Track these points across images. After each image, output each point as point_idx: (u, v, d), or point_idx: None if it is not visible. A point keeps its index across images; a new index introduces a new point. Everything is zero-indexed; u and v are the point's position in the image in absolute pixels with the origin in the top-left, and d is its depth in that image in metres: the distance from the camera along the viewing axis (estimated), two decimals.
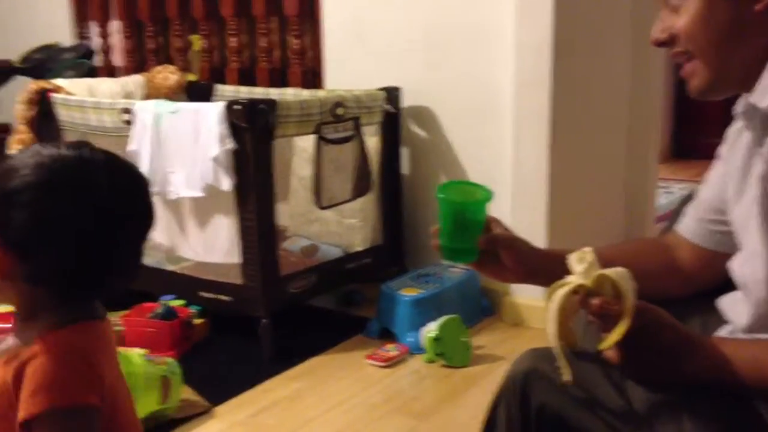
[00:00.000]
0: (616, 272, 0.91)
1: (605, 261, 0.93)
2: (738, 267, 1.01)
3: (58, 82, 2.63)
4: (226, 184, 2.11)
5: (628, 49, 2.49)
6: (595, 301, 0.91)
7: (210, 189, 2.14)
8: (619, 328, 0.90)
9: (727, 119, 1.08)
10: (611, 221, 2.59)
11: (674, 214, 1.23)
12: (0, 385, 0.87)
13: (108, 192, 0.89)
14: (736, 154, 1.02)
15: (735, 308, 1.02)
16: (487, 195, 1.12)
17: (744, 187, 0.97)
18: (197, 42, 3.14)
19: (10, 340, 0.92)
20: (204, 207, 2.25)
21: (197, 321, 2.29)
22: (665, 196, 3.58)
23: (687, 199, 1.20)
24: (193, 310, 2.30)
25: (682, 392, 0.93)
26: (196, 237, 2.32)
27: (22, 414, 0.83)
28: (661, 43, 0.98)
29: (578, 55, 2.34)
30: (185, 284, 2.34)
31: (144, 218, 0.96)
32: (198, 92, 2.95)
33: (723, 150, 1.09)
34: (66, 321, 0.90)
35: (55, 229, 0.86)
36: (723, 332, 1.03)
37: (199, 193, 2.17)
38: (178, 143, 2.20)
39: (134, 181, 0.95)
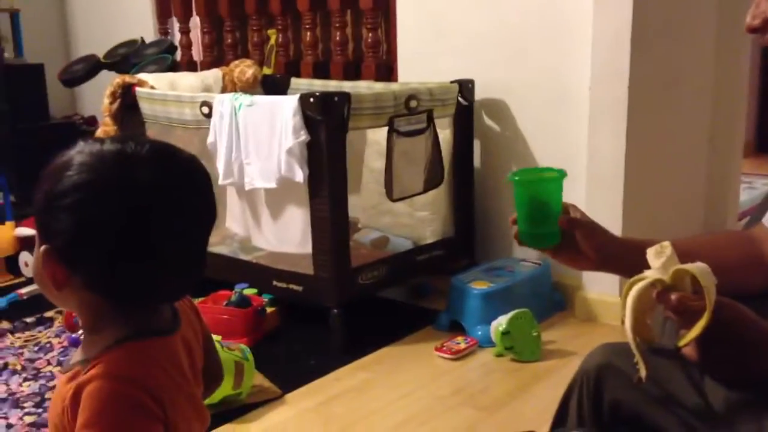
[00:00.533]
0: (696, 267, 0.89)
1: (684, 252, 0.90)
2: None
3: (142, 76, 2.73)
4: (300, 175, 2.15)
5: (712, 38, 2.41)
6: (674, 297, 0.88)
7: (284, 180, 2.18)
8: (698, 325, 0.87)
9: None
10: (690, 216, 2.51)
11: (758, 209, 1.18)
12: (59, 403, 0.82)
13: (154, 189, 0.81)
14: None
15: None
16: (561, 173, 1.10)
17: None
18: (273, 36, 3.20)
19: (77, 354, 0.86)
20: (278, 198, 2.30)
21: (270, 309, 2.34)
22: (747, 192, 3.44)
23: None
24: (265, 298, 2.35)
25: (764, 391, 0.90)
26: (269, 227, 2.36)
27: None
28: (754, 30, 0.94)
29: (658, 44, 2.27)
30: (258, 273, 2.39)
31: (201, 213, 0.86)
32: (274, 86, 3.01)
33: None
34: (127, 337, 0.83)
35: (95, 233, 0.79)
36: None
37: (273, 185, 2.22)
38: (254, 135, 2.25)
39: (185, 177, 0.85)
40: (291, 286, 2.29)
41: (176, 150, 0.87)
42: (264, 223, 2.38)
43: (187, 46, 3.61)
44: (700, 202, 2.53)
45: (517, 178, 1.10)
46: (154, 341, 0.85)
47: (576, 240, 1.09)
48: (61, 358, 2.18)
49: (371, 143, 2.58)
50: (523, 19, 2.49)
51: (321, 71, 3.08)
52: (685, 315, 0.88)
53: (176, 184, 0.83)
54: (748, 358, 0.89)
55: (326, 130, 2.12)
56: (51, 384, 2.02)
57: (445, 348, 2.17)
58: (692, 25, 2.38)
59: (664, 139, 2.38)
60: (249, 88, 2.94)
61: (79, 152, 0.83)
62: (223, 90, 2.91)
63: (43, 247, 0.82)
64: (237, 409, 1.86)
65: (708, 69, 2.43)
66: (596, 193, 2.32)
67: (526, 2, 2.48)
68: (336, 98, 2.12)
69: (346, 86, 2.70)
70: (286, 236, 2.32)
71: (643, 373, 0.91)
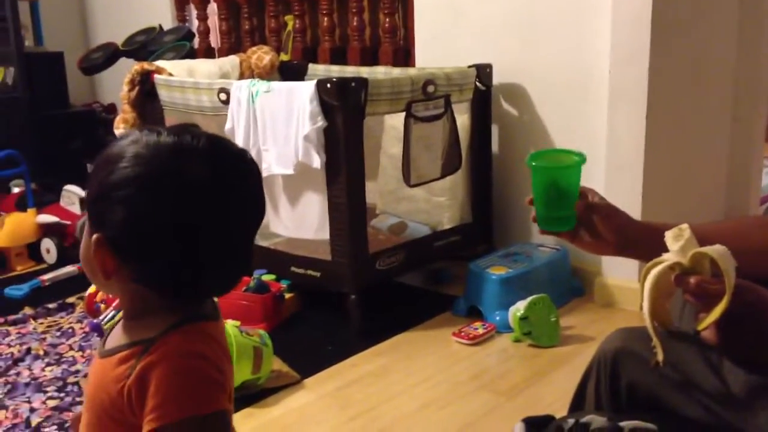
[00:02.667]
0: (715, 250, 0.88)
1: (704, 238, 0.89)
2: None
3: (160, 63, 2.74)
4: (318, 161, 2.15)
5: (734, 20, 2.36)
6: (693, 280, 0.87)
7: (301, 166, 2.19)
8: (717, 308, 0.86)
9: None
10: (711, 200, 2.48)
11: None
12: (111, 386, 0.82)
13: (210, 183, 0.80)
14: None
15: None
16: (581, 158, 1.08)
17: None
18: (291, 22, 3.20)
19: (118, 338, 0.87)
20: (295, 184, 2.30)
21: (288, 295, 2.35)
22: None
23: None
24: (284, 284, 2.37)
25: None
26: (287, 213, 2.37)
27: (153, 423, 0.78)
28: None
29: (679, 26, 2.24)
30: (277, 259, 2.40)
31: (252, 209, 0.86)
32: (291, 72, 3.01)
33: None
34: (179, 322, 0.83)
35: (152, 227, 0.79)
36: None
37: (290, 171, 2.22)
38: (272, 121, 2.25)
39: (241, 170, 0.85)
40: (309, 271, 2.30)
41: (230, 144, 0.87)
42: (282, 209, 2.39)
43: (205, 32, 3.62)
44: (722, 186, 2.50)
45: (534, 163, 1.09)
46: (205, 325, 0.85)
47: (595, 224, 1.08)
48: (83, 344, 2.21)
49: (389, 129, 2.57)
50: (541, 1, 2.47)
51: (338, 57, 3.07)
52: (704, 298, 0.87)
53: (230, 182, 0.83)
54: None
55: (343, 116, 2.11)
56: (73, 369, 2.05)
57: (462, 333, 2.17)
58: (714, 7, 2.34)
59: (685, 123, 2.35)
60: (266, 74, 2.94)
61: (134, 142, 0.82)
62: (241, 76, 2.92)
63: (95, 236, 0.82)
64: (256, 393, 1.87)
65: (730, 51, 2.39)
66: (615, 177, 2.30)
67: None
68: (353, 84, 2.12)
69: (364, 72, 2.69)
70: (304, 222, 2.33)
71: (660, 356, 0.91)
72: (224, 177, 0.82)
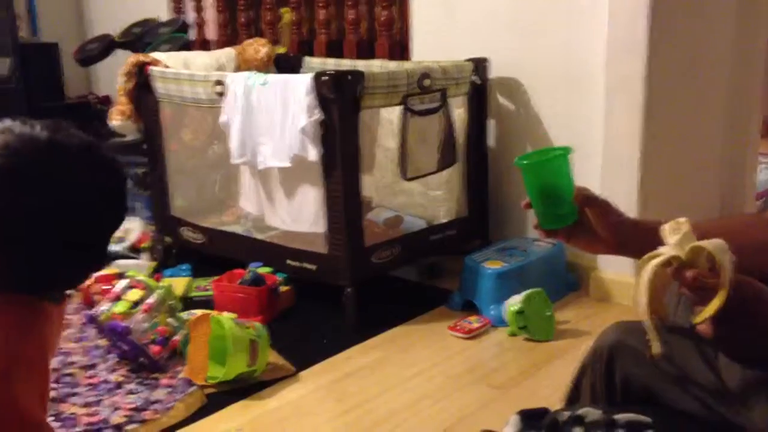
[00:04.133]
0: (712, 243, 0.88)
1: (702, 234, 0.89)
2: None
3: (156, 55, 2.73)
4: (313, 154, 2.15)
5: (731, 15, 2.37)
6: (689, 274, 0.87)
7: (297, 159, 2.18)
8: (714, 302, 0.86)
9: None
10: (706, 196, 2.49)
11: None
12: None
13: (78, 184, 0.82)
14: None
15: None
16: (565, 150, 1.08)
17: None
18: (287, 15, 3.18)
19: None
20: (291, 177, 2.30)
21: (283, 288, 2.35)
22: (765, 172, 3.39)
23: None
24: (279, 277, 2.36)
25: None
26: (283, 206, 2.37)
27: None
28: None
29: (676, 20, 2.24)
30: (272, 252, 2.40)
31: (113, 216, 0.88)
32: (287, 64, 3.00)
33: None
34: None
35: (12, 219, 0.79)
36: None
37: (286, 164, 2.22)
38: (268, 114, 2.25)
39: (111, 176, 0.86)
40: (305, 264, 2.30)
41: (101, 149, 0.87)
42: (277, 202, 2.39)
43: (201, 25, 3.60)
44: (717, 183, 2.50)
45: (525, 162, 1.09)
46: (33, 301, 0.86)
47: (590, 223, 1.08)
48: (80, 335, 2.21)
49: (385, 122, 2.56)
50: None
51: (334, 50, 3.06)
52: (701, 292, 0.87)
53: (102, 183, 0.84)
54: (764, 337, 0.88)
55: (339, 109, 2.11)
56: (68, 360, 2.04)
57: (458, 327, 2.17)
58: (711, 1, 2.34)
59: (681, 118, 2.36)
60: (262, 67, 2.93)
61: (6, 131, 0.82)
62: (237, 69, 2.91)
63: None
64: (252, 386, 1.88)
65: (726, 46, 2.40)
66: (612, 173, 2.30)
67: None
68: (349, 77, 2.11)
69: (360, 65, 2.68)
70: (300, 215, 2.32)
71: (655, 350, 0.91)
72: (93, 180, 0.83)
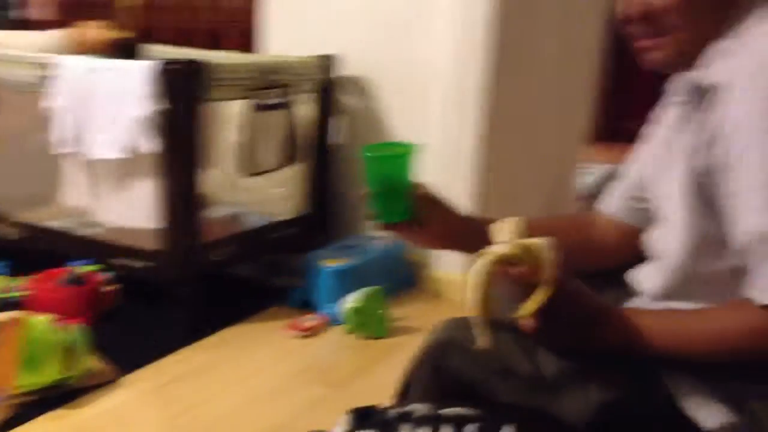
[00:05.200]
0: (538, 241, 0.91)
1: (537, 232, 0.92)
2: (656, 238, 1.03)
3: None
4: (148, 146, 2.04)
5: (555, 25, 2.54)
6: (514, 270, 0.90)
7: (131, 151, 2.06)
8: (536, 297, 0.90)
9: (647, 105, 1.10)
10: (537, 195, 2.64)
11: (594, 193, 1.24)
12: None
13: None
14: (663, 132, 1.04)
15: (647, 278, 1.03)
16: (410, 148, 1.10)
17: (670, 162, 0.98)
18: None
19: None
20: (124, 170, 2.17)
21: (109, 287, 2.22)
22: (589, 177, 3.69)
23: (604, 179, 1.22)
24: (106, 276, 2.22)
25: (592, 361, 0.94)
26: (114, 201, 2.23)
27: None
28: (628, 20, 0.96)
29: (513, 28, 2.36)
30: (98, 249, 2.25)
31: None
32: (125, 50, 2.83)
33: (649, 129, 1.11)
34: None
35: None
36: (633, 304, 1.05)
37: (117, 155, 2.08)
38: (100, 102, 2.10)
39: None
40: (135, 262, 2.17)
41: None
42: (107, 196, 2.24)
43: (23, 3, 3.32)
44: (549, 184, 2.67)
45: (368, 154, 1.09)
46: None
47: (426, 219, 1.09)
48: None
49: (228, 116, 2.48)
50: None
51: (179, 38, 2.93)
52: (526, 288, 0.90)
53: None
54: (580, 329, 0.93)
55: (179, 101, 2.01)
56: None
57: (294, 326, 2.14)
58: (540, 12, 2.49)
59: (516, 121, 2.49)
60: (98, 51, 2.75)
61: None
62: (67, 52, 2.70)
63: None
64: (66, 394, 1.73)
65: (554, 57, 2.56)
66: (448, 172, 2.38)
67: None
68: (191, 67, 2.02)
69: (204, 55, 2.57)
70: (132, 210, 2.20)
71: (481, 343, 0.93)
72: None
